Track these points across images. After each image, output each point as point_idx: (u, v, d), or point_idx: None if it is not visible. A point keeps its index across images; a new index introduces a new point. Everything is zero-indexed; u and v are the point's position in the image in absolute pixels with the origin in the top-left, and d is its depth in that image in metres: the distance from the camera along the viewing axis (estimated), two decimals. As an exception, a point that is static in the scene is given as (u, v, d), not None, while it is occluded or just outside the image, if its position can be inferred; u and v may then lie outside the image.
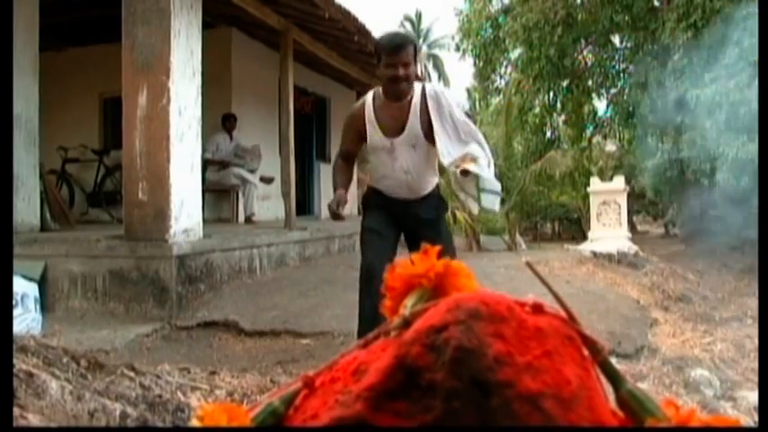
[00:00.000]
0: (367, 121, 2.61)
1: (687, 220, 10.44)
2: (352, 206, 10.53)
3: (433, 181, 2.76)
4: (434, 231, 2.59)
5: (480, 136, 2.61)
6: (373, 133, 2.61)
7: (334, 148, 10.05)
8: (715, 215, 9.84)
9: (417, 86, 2.59)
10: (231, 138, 6.93)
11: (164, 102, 4.06)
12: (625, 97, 10.53)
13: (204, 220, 4.61)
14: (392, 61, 2.44)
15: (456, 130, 2.55)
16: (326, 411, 0.38)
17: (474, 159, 2.46)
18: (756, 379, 2.88)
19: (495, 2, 11.51)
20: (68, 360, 1.89)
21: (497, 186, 2.63)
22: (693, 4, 8.01)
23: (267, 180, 7.06)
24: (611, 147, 15.63)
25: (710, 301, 5.52)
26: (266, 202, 7.39)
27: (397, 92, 2.51)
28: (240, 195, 6.93)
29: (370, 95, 2.65)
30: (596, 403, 0.37)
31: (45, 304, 4.00)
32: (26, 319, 3.62)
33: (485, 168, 2.51)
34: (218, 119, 6.72)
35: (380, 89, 2.61)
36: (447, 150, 2.53)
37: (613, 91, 11.20)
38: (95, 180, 7.14)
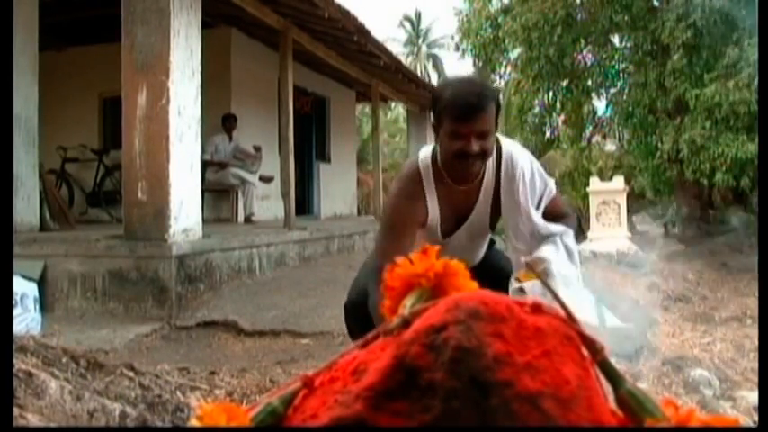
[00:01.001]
0: (430, 215, 1.77)
1: (687, 220, 10.44)
2: (351, 206, 10.53)
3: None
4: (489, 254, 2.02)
5: (567, 235, 1.74)
6: (428, 230, 1.80)
7: (334, 148, 10.05)
8: (714, 215, 9.86)
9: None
10: (231, 138, 6.93)
11: (163, 102, 4.06)
12: (624, 97, 10.53)
13: (204, 220, 4.61)
14: (462, 131, 1.59)
15: (531, 229, 1.75)
16: (326, 411, 0.38)
17: (542, 264, 1.63)
18: (756, 379, 2.88)
19: (495, 2, 11.50)
20: (68, 360, 1.89)
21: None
22: (693, 4, 8.01)
23: (266, 179, 7.06)
24: (610, 147, 15.64)
25: (710, 301, 5.52)
26: (266, 201, 7.39)
27: (465, 175, 1.68)
28: (239, 195, 6.93)
29: (424, 164, 1.76)
30: (595, 403, 0.37)
31: (44, 304, 4.00)
32: (25, 319, 3.62)
33: (557, 281, 1.59)
34: (217, 119, 6.71)
35: (437, 157, 1.73)
36: (520, 250, 1.77)
37: (613, 91, 11.20)
38: (95, 180, 7.14)
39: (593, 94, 11.51)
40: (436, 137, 1.70)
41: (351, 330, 2.04)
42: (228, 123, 6.87)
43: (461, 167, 1.65)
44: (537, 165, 1.81)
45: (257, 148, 6.96)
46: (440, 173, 1.73)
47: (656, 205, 15.82)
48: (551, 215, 1.79)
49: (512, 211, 1.75)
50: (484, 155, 1.63)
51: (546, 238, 1.73)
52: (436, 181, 1.75)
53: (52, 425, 1.39)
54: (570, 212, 1.91)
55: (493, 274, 1.75)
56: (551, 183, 1.84)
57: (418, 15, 30.31)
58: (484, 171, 1.74)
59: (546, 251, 1.67)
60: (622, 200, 9.01)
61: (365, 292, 1.78)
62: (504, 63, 12.04)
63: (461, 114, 1.59)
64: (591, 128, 12.39)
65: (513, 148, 1.78)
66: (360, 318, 1.78)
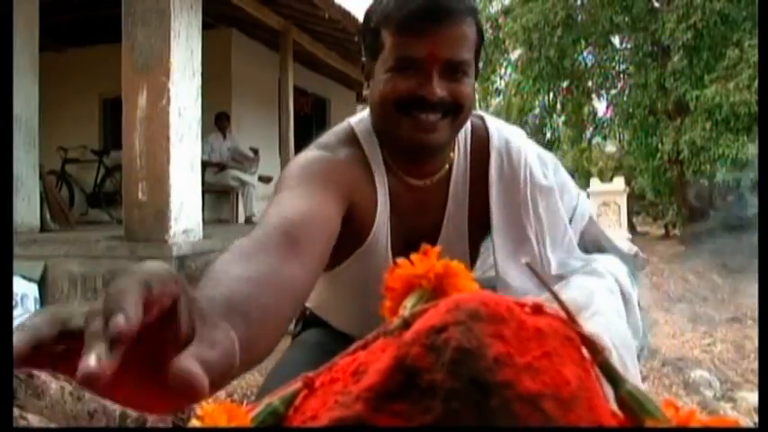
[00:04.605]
0: (378, 217, 0.95)
1: (687, 221, 10.45)
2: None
3: None
4: None
5: (618, 269, 0.97)
6: (376, 241, 0.96)
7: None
8: (715, 216, 9.87)
9: (464, 129, 0.98)
10: (225, 136, 6.92)
11: (163, 102, 4.06)
12: (625, 98, 10.56)
13: (204, 221, 4.62)
14: (415, 52, 0.84)
15: (555, 238, 1.00)
16: (326, 412, 0.38)
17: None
18: (756, 380, 2.88)
19: (496, 3, 11.54)
20: (68, 360, 1.89)
21: None
22: (693, 5, 8.02)
23: (266, 180, 7.07)
24: (610, 148, 15.65)
25: (710, 302, 5.52)
26: (266, 202, 7.39)
27: (418, 146, 0.90)
28: (240, 196, 6.94)
29: (362, 128, 1.03)
30: (596, 404, 0.37)
31: (45, 305, 4.00)
32: (26, 320, 3.62)
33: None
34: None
35: (375, 134, 1.00)
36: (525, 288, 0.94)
37: (613, 92, 11.23)
38: (95, 180, 7.15)
39: (594, 95, 11.54)
40: (367, 84, 0.97)
41: None
42: (221, 122, 6.86)
43: (411, 130, 0.86)
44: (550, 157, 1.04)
45: (254, 151, 6.96)
46: (381, 154, 0.97)
47: (657, 206, 15.83)
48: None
49: (516, 227, 0.96)
50: (456, 110, 0.86)
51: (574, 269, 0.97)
52: (389, 173, 0.97)
53: (52, 425, 1.39)
54: (623, 252, 1.08)
55: None
56: (582, 196, 1.10)
57: (418, 16, 30.30)
58: (451, 161, 0.97)
59: (578, 286, 0.86)
60: (623, 201, 9.02)
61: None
62: (504, 64, 12.07)
63: (416, 18, 0.83)
64: (591, 129, 12.42)
65: (501, 125, 1.02)
66: None
